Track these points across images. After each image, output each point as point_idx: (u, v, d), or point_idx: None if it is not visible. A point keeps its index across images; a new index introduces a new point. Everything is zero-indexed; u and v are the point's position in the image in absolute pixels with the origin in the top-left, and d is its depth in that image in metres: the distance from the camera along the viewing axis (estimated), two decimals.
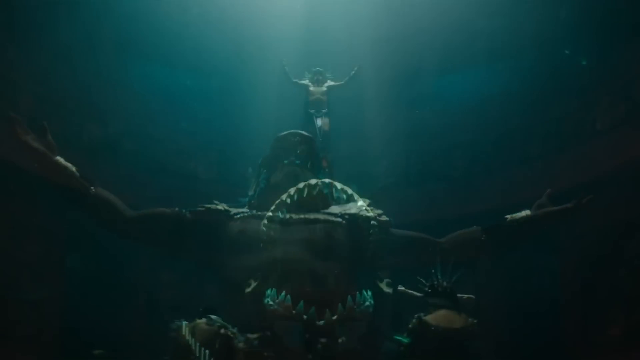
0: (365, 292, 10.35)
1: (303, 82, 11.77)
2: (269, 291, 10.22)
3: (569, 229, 14.84)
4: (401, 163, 17.09)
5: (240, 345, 8.29)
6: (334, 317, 9.84)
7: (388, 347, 7.94)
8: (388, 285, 11.09)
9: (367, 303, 10.27)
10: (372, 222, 10.79)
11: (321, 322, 9.77)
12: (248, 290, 10.89)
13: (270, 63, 14.93)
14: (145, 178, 15.77)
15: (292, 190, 11.11)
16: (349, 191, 11.05)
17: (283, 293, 9.97)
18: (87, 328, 14.00)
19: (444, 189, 16.27)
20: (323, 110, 11.65)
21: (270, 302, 10.06)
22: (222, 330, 8.22)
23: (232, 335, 8.28)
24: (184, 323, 8.29)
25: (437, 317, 7.77)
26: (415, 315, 7.86)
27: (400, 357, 7.75)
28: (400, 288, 8.68)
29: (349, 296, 10.09)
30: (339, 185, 11.22)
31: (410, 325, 7.81)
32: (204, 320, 8.38)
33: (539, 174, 15.08)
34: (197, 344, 7.91)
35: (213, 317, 8.44)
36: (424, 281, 8.25)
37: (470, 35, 15.50)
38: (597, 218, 14.15)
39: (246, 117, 16.38)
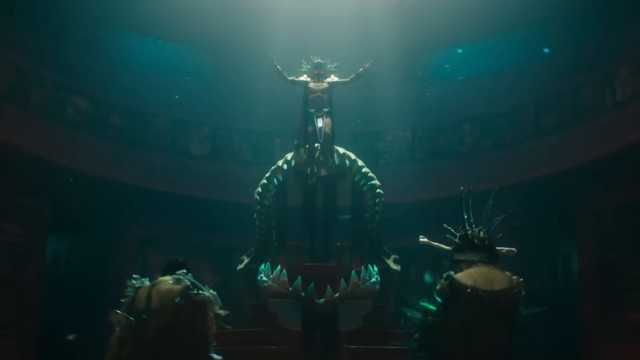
0: (370, 268, 9.74)
1: (301, 78, 10.47)
2: (262, 266, 9.57)
3: (587, 209, 14.19)
4: (408, 138, 16.19)
5: (220, 311, 6.24)
6: (336, 295, 9.22)
7: (412, 317, 5.86)
8: (395, 261, 10.27)
9: (372, 279, 9.58)
10: (378, 190, 10.07)
11: (321, 300, 9.14)
12: (240, 267, 10.20)
13: (265, 38, 14.20)
14: (134, 154, 14.90)
15: (289, 156, 10.41)
16: (352, 156, 10.50)
17: (278, 268, 9.29)
18: (70, 313, 13.32)
19: (452, 165, 15.38)
20: (324, 110, 10.37)
21: (264, 278, 9.33)
22: (191, 290, 6.09)
23: (205, 298, 6.15)
24: (146, 280, 6.33)
25: (472, 276, 5.64)
26: (445, 274, 5.70)
27: (427, 329, 5.66)
28: (423, 239, 6.39)
29: (353, 271, 9.47)
30: (341, 150, 10.53)
31: (438, 287, 5.65)
32: (169, 277, 6.26)
33: (553, 149, 14.18)
34: (153, 309, 6.03)
35: (182, 273, 6.28)
36: (453, 231, 6.11)
37: (481, 5, 14.64)
38: (616, 196, 13.60)
39: (241, 92, 15.62)
